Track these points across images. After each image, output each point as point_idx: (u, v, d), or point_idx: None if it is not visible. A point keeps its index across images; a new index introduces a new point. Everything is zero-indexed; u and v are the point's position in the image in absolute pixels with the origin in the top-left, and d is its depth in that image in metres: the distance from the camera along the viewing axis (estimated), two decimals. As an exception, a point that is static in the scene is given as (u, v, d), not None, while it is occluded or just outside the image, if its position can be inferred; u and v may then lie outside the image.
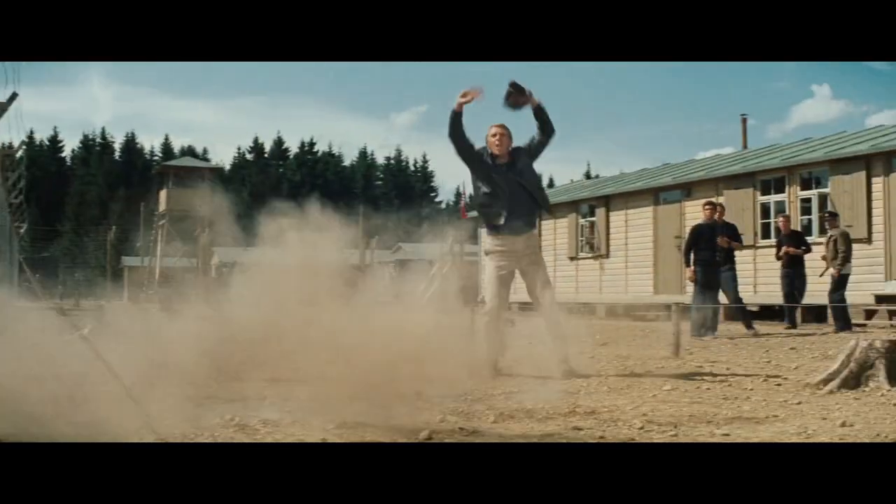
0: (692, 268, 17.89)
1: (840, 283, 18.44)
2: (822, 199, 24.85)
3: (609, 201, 33.13)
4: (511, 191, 9.98)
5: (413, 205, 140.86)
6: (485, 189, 10.11)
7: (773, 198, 26.47)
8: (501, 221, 10.00)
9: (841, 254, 18.38)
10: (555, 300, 10.50)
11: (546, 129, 10.16)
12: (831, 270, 18.48)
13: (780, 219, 21.43)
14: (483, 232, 10.45)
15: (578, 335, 18.04)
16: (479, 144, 10.19)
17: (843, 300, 18.31)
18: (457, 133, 9.98)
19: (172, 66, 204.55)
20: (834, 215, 19.67)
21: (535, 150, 10.24)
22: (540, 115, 10.13)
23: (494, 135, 10.11)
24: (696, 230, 18.29)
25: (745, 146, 36.88)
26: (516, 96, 9.98)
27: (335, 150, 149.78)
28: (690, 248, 18.08)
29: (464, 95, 9.84)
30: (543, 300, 10.25)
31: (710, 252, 17.77)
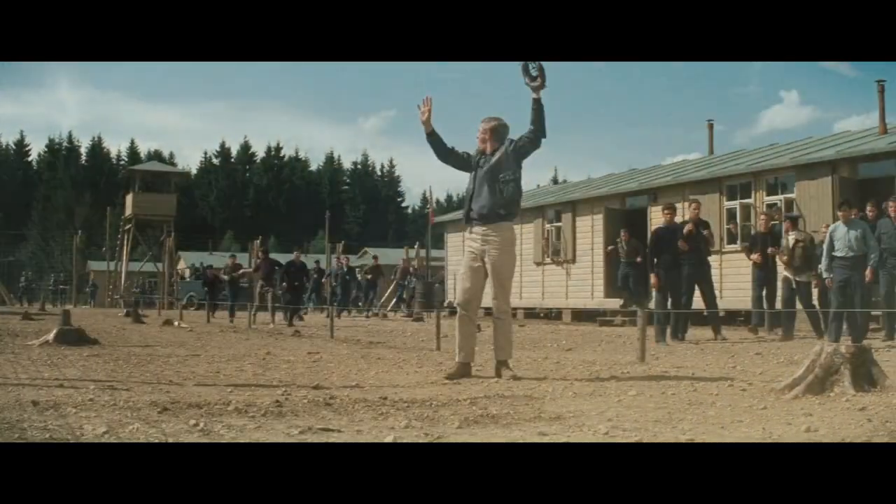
0: (655, 272, 17.86)
1: (809, 290, 18.19)
2: (789, 204, 24.95)
3: (575, 206, 33.17)
4: (482, 181, 10.09)
5: (379, 210, 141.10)
6: (468, 186, 10.33)
7: (739, 203, 26.59)
8: (472, 215, 10.14)
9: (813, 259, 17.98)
10: (508, 305, 10.53)
11: (535, 127, 10.24)
12: (804, 278, 18.05)
13: (762, 216, 20.92)
14: (449, 236, 10.49)
15: (543, 340, 18.08)
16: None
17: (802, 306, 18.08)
18: (443, 151, 10.24)
19: (139, 70, 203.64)
20: (795, 218, 19.38)
21: (520, 147, 10.31)
22: (535, 109, 10.21)
23: (480, 131, 10.36)
24: (656, 234, 18.30)
25: (711, 152, 36.99)
26: (533, 76, 10.07)
27: (302, 155, 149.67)
28: (653, 252, 18.05)
29: (423, 114, 9.98)
30: (496, 302, 10.32)
31: (671, 255, 17.71)
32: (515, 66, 10.08)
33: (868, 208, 16.87)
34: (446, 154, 10.26)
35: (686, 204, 21.53)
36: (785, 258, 18.24)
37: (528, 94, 10.21)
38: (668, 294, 17.82)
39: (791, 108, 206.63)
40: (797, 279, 17.87)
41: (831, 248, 16.20)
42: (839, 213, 16.55)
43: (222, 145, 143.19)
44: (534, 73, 10.07)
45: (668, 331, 17.43)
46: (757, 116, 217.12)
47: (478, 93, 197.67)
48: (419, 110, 10.14)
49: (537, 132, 10.22)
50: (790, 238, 18.30)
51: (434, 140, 10.19)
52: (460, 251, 25.26)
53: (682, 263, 17.89)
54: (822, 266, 16.43)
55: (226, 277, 31.69)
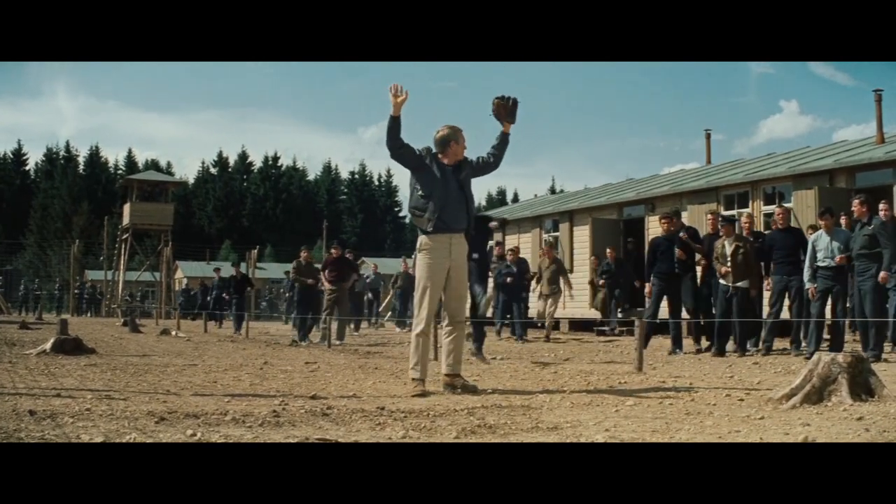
0: (650, 282, 17.80)
1: (747, 297, 17.42)
2: (786, 214, 24.91)
3: (573, 216, 33.17)
4: (451, 193, 9.90)
5: (377, 219, 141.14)
6: (422, 192, 9.94)
7: (736, 212, 26.56)
8: (431, 228, 9.81)
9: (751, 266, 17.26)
10: (463, 317, 10.43)
11: (497, 156, 10.29)
12: (743, 284, 17.41)
13: (709, 218, 19.65)
14: (422, 237, 10.04)
15: (541, 350, 18.06)
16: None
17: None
18: (400, 138, 9.82)
19: (137, 79, 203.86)
20: (731, 221, 18.37)
21: (479, 169, 10.27)
22: (502, 142, 10.26)
23: (464, 140, 10.14)
24: (653, 243, 18.24)
25: (708, 161, 37.01)
26: (505, 110, 10.07)
27: (299, 164, 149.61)
28: (650, 262, 17.99)
29: (397, 97, 9.71)
30: (453, 312, 10.15)
31: (668, 264, 17.61)
32: (502, 80, 10.03)
33: (882, 208, 16.20)
34: (401, 142, 9.88)
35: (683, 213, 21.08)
36: (724, 268, 17.24)
37: (497, 126, 10.20)
38: (668, 303, 17.79)
39: (790, 117, 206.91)
40: (735, 285, 17.16)
41: (813, 257, 15.87)
42: (820, 222, 16.08)
43: (220, 154, 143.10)
44: (513, 113, 10.11)
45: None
46: (756, 126, 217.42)
47: (474, 101, 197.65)
48: (392, 91, 9.72)
49: (499, 160, 10.31)
50: (728, 243, 17.37)
51: (398, 125, 9.82)
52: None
53: (680, 273, 17.82)
54: (805, 276, 16.00)
55: (309, 281, 24.75)
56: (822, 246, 15.62)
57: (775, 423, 6.70)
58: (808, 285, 15.88)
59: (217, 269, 43.41)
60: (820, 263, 15.61)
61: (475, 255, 14.31)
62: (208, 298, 40.39)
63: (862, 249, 14.94)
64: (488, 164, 10.27)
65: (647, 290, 18.11)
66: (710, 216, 19.31)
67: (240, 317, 29.47)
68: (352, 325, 28.09)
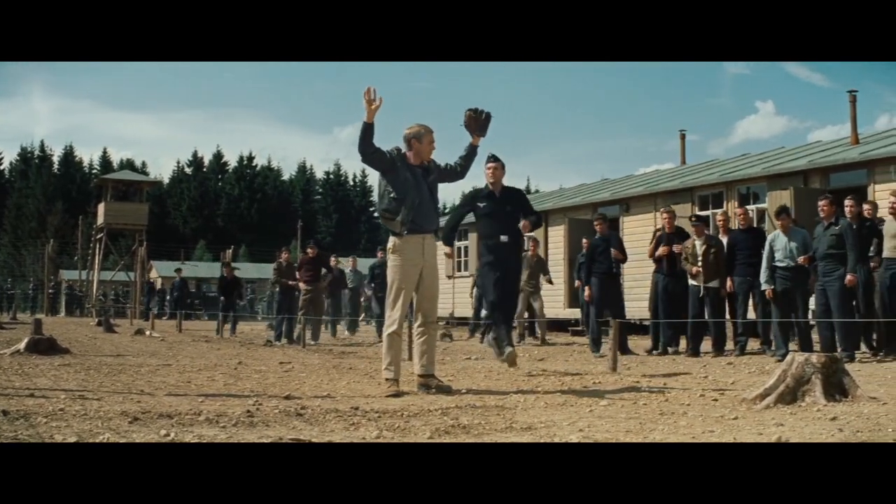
0: (589, 284, 17.69)
1: (720, 297, 17.44)
2: (761, 214, 24.92)
3: (548, 216, 33.14)
4: (423, 195, 9.93)
5: (352, 219, 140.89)
6: (395, 195, 9.90)
7: (711, 213, 26.57)
8: (406, 231, 9.81)
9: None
10: (436, 317, 10.38)
11: (464, 167, 10.44)
12: (714, 284, 17.02)
13: (665, 215, 19.14)
14: (393, 239, 9.98)
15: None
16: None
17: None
18: (372, 143, 9.76)
19: (112, 79, 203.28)
20: (702, 220, 18.71)
21: (445, 175, 10.36)
22: (470, 154, 10.44)
23: (432, 142, 10.13)
24: (591, 245, 18.16)
25: (683, 161, 37.03)
26: (476, 122, 10.17)
27: (274, 165, 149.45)
28: (589, 264, 17.88)
29: (371, 103, 9.61)
30: (426, 312, 10.14)
31: (607, 264, 17.51)
32: (479, 80, 10.05)
33: (847, 204, 16.01)
34: (373, 147, 9.81)
35: (661, 213, 20.78)
36: (695, 268, 17.17)
37: (468, 138, 10.43)
38: (603, 305, 17.67)
39: (766, 118, 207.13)
40: (706, 286, 17.04)
41: (771, 257, 15.61)
42: (778, 222, 15.84)
43: (195, 154, 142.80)
44: (484, 127, 10.24)
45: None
46: (732, 126, 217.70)
47: (452, 101, 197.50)
48: (366, 98, 9.59)
49: (465, 171, 10.45)
50: (699, 243, 17.30)
51: (371, 131, 9.75)
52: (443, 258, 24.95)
53: (618, 274, 17.81)
54: (763, 277, 15.76)
55: (293, 284, 24.07)
56: (780, 246, 15.34)
57: (749, 424, 6.71)
58: (765, 286, 15.61)
59: (178, 270, 43.26)
60: (778, 263, 15.37)
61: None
62: (168, 298, 40.18)
63: (829, 250, 14.78)
64: (455, 173, 10.38)
65: (586, 292, 18.04)
66: (665, 214, 18.98)
67: (225, 317, 28.80)
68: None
